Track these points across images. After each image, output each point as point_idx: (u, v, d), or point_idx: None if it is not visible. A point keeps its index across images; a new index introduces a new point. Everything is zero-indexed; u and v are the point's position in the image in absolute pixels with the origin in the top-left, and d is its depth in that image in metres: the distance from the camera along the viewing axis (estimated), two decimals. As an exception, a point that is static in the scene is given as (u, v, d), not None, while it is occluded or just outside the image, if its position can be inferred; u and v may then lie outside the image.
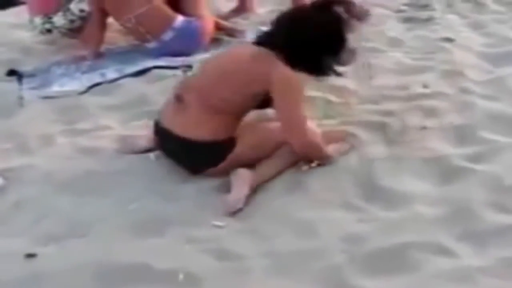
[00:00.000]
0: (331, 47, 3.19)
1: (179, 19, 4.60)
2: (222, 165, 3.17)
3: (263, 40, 3.24)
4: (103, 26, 4.74)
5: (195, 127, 3.14)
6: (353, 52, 3.26)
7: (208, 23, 4.72)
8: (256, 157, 3.19)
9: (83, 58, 4.66)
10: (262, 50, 3.17)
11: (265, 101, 3.19)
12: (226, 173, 3.13)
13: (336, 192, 3.06)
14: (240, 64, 3.19)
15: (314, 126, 3.26)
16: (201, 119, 3.14)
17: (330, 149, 3.27)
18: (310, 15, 3.20)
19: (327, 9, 3.19)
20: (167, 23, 4.57)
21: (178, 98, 3.23)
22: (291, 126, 3.13)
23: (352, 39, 3.25)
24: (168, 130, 3.22)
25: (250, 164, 3.16)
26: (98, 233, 2.89)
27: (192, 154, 3.19)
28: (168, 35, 4.57)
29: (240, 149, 3.17)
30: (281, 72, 3.09)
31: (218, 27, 4.88)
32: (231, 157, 3.16)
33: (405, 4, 5.43)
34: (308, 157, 3.20)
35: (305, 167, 3.20)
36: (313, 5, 3.26)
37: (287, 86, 3.11)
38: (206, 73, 3.29)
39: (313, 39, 3.15)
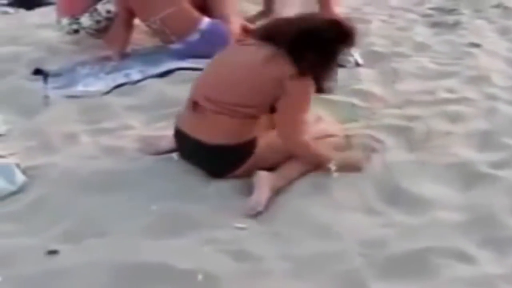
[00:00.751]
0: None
1: (205, 20, 4.61)
2: (242, 168, 3.17)
3: (272, 37, 3.21)
4: (129, 26, 4.77)
5: (212, 131, 3.14)
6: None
7: (234, 25, 4.72)
8: (278, 160, 3.19)
9: (108, 58, 4.69)
10: (272, 50, 3.13)
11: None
12: (248, 174, 3.13)
13: (357, 195, 3.05)
14: (253, 68, 3.16)
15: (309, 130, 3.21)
16: (217, 123, 3.14)
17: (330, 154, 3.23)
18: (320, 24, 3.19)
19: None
20: (193, 24, 4.59)
21: (194, 103, 3.23)
22: (285, 123, 3.13)
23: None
24: (186, 134, 3.23)
25: (272, 166, 3.16)
26: (118, 232, 2.89)
27: (211, 158, 3.19)
28: (193, 37, 4.59)
29: (262, 152, 3.16)
30: (292, 76, 3.07)
31: (245, 30, 4.88)
32: (252, 159, 3.16)
33: (432, 9, 5.43)
34: (297, 156, 3.19)
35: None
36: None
37: (296, 88, 3.09)
38: (218, 78, 3.26)
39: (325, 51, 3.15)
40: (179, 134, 3.29)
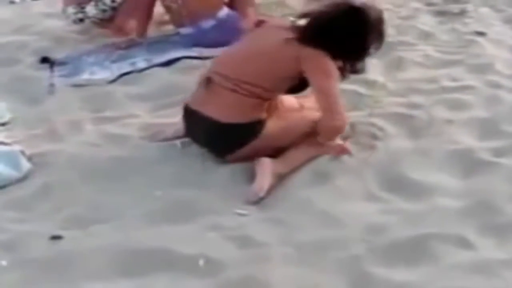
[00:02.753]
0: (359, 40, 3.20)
1: (225, 10, 4.63)
2: (246, 149, 3.18)
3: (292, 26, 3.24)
4: (149, 10, 4.78)
5: (223, 109, 3.17)
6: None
7: (251, 20, 4.71)
8: (282, 145, 3.20)
9: (132, 41, 4.72)
10: (290, 33, 3.18)
11: (297, 86, 3.23)
12: (251, 159, 3.15)
13: (360, 183, 3.07)
14: (268, 48, 3.21)
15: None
16: (229, 101, 3.17)
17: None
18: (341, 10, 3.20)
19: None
20: (212, 11, 4.60)
21: (208, 80, 3.26)
22: (328, 105, 3.14)
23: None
24: (197, 111, 3.26)
25: (275, 152, 3.18)
26: (122, 218, 2.92)
27: (219, 136, 3.20)
28: (208, 23, 4.59)
29: (267, 135, 3.18)
30: (309, 51, 3.11)
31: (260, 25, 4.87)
32: (257, 141, 3.17)
33: (437, -3, 5.40)
34: (327, 138, 3.21)
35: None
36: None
37: (317, 62, 3.13)
38: (235, 57, 3.32)
39: (342, 29, 3.15)
40: (188, 112, 3.32)
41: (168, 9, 4.73)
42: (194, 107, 3.28)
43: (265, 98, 3.20)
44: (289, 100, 3.41)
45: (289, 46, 3.15)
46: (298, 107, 3.42)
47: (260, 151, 3.15)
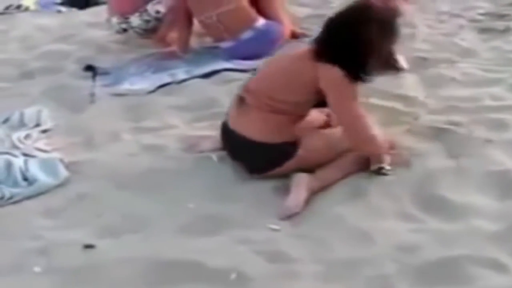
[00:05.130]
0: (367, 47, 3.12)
1: (261, 20, 4.65)
2: (283, 168, 3.18)
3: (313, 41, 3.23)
4: (190, 22, 4.81)
5: (256, 128, 3.18)
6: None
7: (286, 28, 4.75)
8: (319, 162, 3.19)
9: (173, 54, 4.75)
10: (308, 50, 3.17)
11: (320, 101, 3.21)
12: (286, 175, 3.14)
13: (394, 201, 3.03)
14: (289, 65, 3.22)
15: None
16: (261, 120, 3.17)
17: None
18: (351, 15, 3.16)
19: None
20: (249, 23, 4.63)
21: (240, 100, 3.27)
22: (346, 122, 3.13)
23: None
24: (233, 130, 3.27)
25: (311, 168, 3.16)
26: (155, 229, 2.95)
27: (255, 155, 3.21)
28: (247, 35, 4.62)
29: (304, 153, 3.17)
30: (323, 68, 3.09)
31: (292, 33, 4.89)
32: (293, 161, 3.17)
33: (482, 14, 5.32)
34: (364, 153, 3.20)
35: (373, 167, 3.19)
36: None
37: (332, 81, 3.10)
38: (263, 75, 3.33)
39: (349, 36, 3.09)
40: (225, 128, 3.34)
41: (204, 24, 4.76)
42: (230, 125, 3.30)
43: (297, 114, 3.20)
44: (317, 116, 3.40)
45: (307, 62, 3.14)
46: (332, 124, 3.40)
47: (296, 169, 3.15)
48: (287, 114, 3.17)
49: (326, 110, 3.35)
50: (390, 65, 3.19)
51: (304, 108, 3.25)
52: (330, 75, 3.09)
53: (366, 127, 3.12)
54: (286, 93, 3.17)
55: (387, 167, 3.20)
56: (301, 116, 3.23)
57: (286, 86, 3.18)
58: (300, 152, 3.17)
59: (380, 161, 3.20)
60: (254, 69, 4.30)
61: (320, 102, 3.22)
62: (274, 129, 3.16)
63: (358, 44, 3.07)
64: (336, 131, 3.28)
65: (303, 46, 3.29)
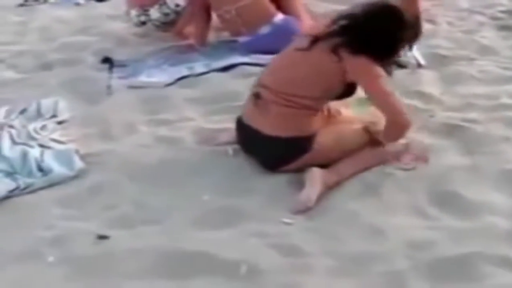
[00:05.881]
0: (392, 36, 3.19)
1: (280, 15, 4.65)
2: (298, 162, 3.18)
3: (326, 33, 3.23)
4: (208, 15, 4.81)
5: (273, 123, 3.17)
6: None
7: (305, 23, 4.74)
8: (333, 157, 3.19)
9: (191, 47, 4.77)
10: (329, 41, 3.17)
11: (343, 92, 3.22)
12: (301, 169, 3.14)
13: (409, 197, 3.02)
14: (312, 59, 3.19)
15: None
16: (279, 115, 3.17)
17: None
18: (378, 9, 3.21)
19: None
20: (267, 18, 4.63)
21: (256, 95, 3.27)
22: (381, 98, 3.14)
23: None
24: (248, 125, 3.27)
25: (326, 163, 3.16)
26: (169, 221, 2.95)
27: (270, 150, 3.21)
28: (265, 30, 4.62)
29: (319, 148, 3.17)
30: (351, 61, 3.10)
31: (314, 29, 4.86)
32: (309, 155, 3.17)
33: (503, 12, 5.29)
34: (392, 138, 3.22)
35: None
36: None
37: (362, 68, 3.12)
38: (279, 70, 3.32)
39: (376, 27, 3.15)
40: (240, 123, 3.34)
41: (222, 19, 4.76)
42: (245, 120, 3.30)
43: (314, 108, 3.19)
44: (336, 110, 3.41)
45: (330, 58, 3.13)
46: (350, 118, 3.40)
47: (311, 163, 3.14)
48: (305, 109, 3.16)
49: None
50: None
51: (323, 102, 3.25)
52: (360, 64, 3.12)
53: (399, 100, 3.17)
54: (309, 89, 3.16)
55: (405, 165, 3.20)
56: (318, 110, 3.23)
57: (309, 82, 3.16)
58: (315, 146, 3.16)
59: (398, 159, 3.22)
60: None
61: (338, 95, 3.24)
62: (291, 124, 3.15)
63: (388, 37, 3.16)
64: (352, 126, 3.28)
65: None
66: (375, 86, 3.14)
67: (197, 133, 3.67)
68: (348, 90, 3.23)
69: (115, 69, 4.58)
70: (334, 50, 3.13)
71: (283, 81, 3.22)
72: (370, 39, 3.12)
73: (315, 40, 3.19)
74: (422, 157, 3.26)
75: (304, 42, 3.24)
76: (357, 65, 3.12)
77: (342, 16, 3.24)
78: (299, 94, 3.15)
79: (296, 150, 3.17)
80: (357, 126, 3.29)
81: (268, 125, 3.18)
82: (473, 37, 4.76)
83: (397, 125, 3.16)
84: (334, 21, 3.25)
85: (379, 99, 3.15)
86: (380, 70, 3.14)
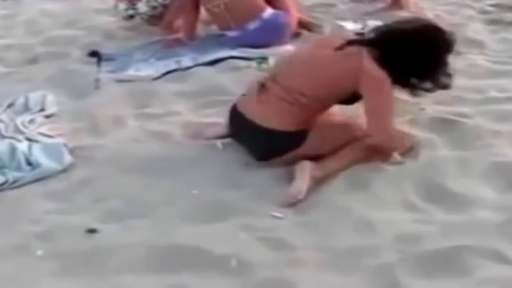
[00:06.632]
0: (426, 61, 3.15)
1: (269, 10, 4.63)
2: (289, 155, 3.17)
3: (357, 39, 3.21)
4: (196, 10, 4.79)
5: (270, 117, 3.17)
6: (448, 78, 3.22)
7: (293, 17, 4.73)
8: (324, 152, 3.18)
9: (179, 41, 4.75)
10: (352, 47, 3.15)
11: (349, 98, 3.21)
12: (291, 163, 3.14)
13: (398, 191, 3.02)
14: (328, 60, 3.18)
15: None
16: (278, 109, 3.17)
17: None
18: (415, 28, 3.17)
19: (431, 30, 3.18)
20: (256, 13, 4.61)
21: (262, 86, 3.26)
22: (377, 123, 3.14)
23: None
24: (244, 115, 3.26)
25: (317, 157, 3.15)
26: (158, 215, 2.95)
27: (263, 142, 3.20)
28: (254, 25, 4.60)
29: (310, 142, 3.17)
30: (371, 69, 3.07)
31: (298, 22, 4.87)
32: (300, 149, 3.16)
33: (492, 5, 5.30)
34: (383, 150, 3.21)
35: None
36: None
37: (377, 84, 3.09)
38: (295, 67, 3.30)
39: (411, 47, 3.11)
40: (234, 113, 3.33)
41: (211, 13, 4.74)
42: (241, 109, 3.29)
43: (315, 108, 3.19)
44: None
45: (353, 61, 3.11)
46: (340, 113, 3.39)
47: (302, 157, 3.14)
48: (307, 108, 3.16)
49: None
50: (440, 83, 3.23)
51: (330, 104, 3.24)
52: (376, 76, 3.07)
53: (393, 125, 3.18)
54: (321, 91, 3.15)
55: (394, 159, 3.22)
56: (318, 110, 3.22)
57: (323, 85, 3.15)
58: (309, 140, 3.16)
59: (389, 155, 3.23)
60: (261, 58, 4.34)
61: (345, 100, 3.23)
62: (288, 119, 3.15)
63: (423, 58, 3.11)
64: (343, 120, 3.29)
65: (336, 40, 3.25)
66: (378, 103, 3.12)
67: (185, 127, 3.66)
68: (350, 99, 3.21)
69: (103, 63, 4.55)
70: (360, 56, 3.10)
71: (300, 83, 3.18)
72: (399, 57, 3.08)
73: (350, 42, 3.17)
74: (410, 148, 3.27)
75: (337, 42, 3.21)
76: (374, 78, 3.08)
77: (384, 27, 3.23)
78: (308, 94, 3.14)
79: (289, 144, 3.17)
80: (347, 121, 3.29)
81: (265, 117, 3.18)
82: (462, 31, 4.76)
83: (380, 149, 3.19)
84: (374, 30, 3.24)
85: (376, 117, 3.14)
86: (391, 89, 3.11)
